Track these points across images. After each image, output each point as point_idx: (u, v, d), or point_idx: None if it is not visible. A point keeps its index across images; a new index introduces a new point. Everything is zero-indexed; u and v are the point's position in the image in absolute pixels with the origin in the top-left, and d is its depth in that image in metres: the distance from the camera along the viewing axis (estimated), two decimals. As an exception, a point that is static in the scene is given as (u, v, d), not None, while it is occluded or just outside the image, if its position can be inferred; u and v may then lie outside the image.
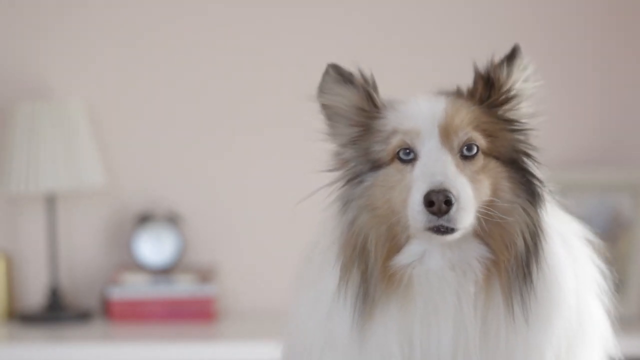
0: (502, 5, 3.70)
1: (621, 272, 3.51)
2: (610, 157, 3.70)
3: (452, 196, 1.60)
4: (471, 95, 1.72)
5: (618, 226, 3.56)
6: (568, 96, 3.69)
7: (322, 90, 1.74)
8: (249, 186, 3.72)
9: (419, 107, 1.70)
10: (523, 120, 1.71)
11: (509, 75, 1.71)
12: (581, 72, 3.71)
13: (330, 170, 1.74)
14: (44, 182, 3.51)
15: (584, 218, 1.73)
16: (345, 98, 1.72)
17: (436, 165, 1.64)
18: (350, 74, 1.72)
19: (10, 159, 3.52)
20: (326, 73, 1.73)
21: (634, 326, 3.37)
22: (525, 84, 1.72)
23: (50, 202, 3.61)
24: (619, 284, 3.53)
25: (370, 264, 1.67)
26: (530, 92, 1.72)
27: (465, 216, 1.62)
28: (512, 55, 1.72)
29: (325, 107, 1.75)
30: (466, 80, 1.76)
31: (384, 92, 1.75)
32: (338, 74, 1.72)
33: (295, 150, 3.62)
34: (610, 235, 3.55)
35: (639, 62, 3.72)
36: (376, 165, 1.69)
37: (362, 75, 1.73)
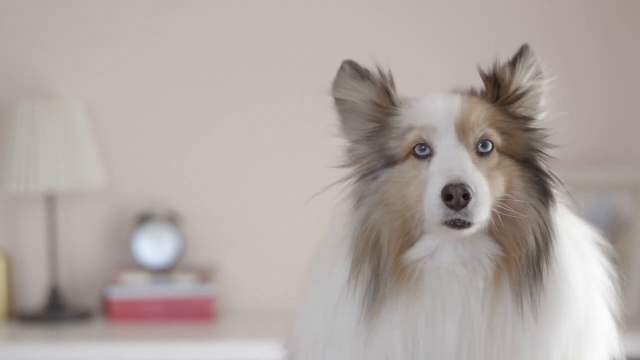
0: (510, 5, 3.70)
1: (621, 272, 3.51)
2: (610, 157, 3.70)
3: (470, 190, 1.62)
4: (484, 95, 1.75)
5: (618, 226, 3.56)
6: (568, 96, 3.68)
7: (337, 85, 1.75)
8: (249, 186, 3.72)
9: (435, 104, 1.72)
10: (537, 118, 1.75)
11: (513, 74, 1.73)
12: (582, 72, 3.71)
13: (343, 167, 1.75)
14: (44, 182, 3.51)
15: (584, 218, 1.73)
16: (362, 93, 1.74)
17: (454, 161, 1.66)
18: (367, 71, 1.74)
19: (10, 159, 3.52)
20: (342, 69, 1.75)
21: (634, 326, 3.38)
22: (534, 82, 1.75)
23: (50, 202, 3.61)
24: (619, 284, 3.53)
25: (382, 259, 1.68)
26: (542, 90, 1.76)
27: (482, 211, 1.64)
28: (518, 55, 1.74)
29: (340, 102, 1.76)
30: (477, 80, 1.77)
31: (400, 89, 1.76)
32: (354, 70, 1.74)
33: (295, 151, 3.62)
34: (610, 235, 3.54)
35: (640, 62, 3.72)
36: (391, 162, 1.71)
37: (380, 72, 1.74)
